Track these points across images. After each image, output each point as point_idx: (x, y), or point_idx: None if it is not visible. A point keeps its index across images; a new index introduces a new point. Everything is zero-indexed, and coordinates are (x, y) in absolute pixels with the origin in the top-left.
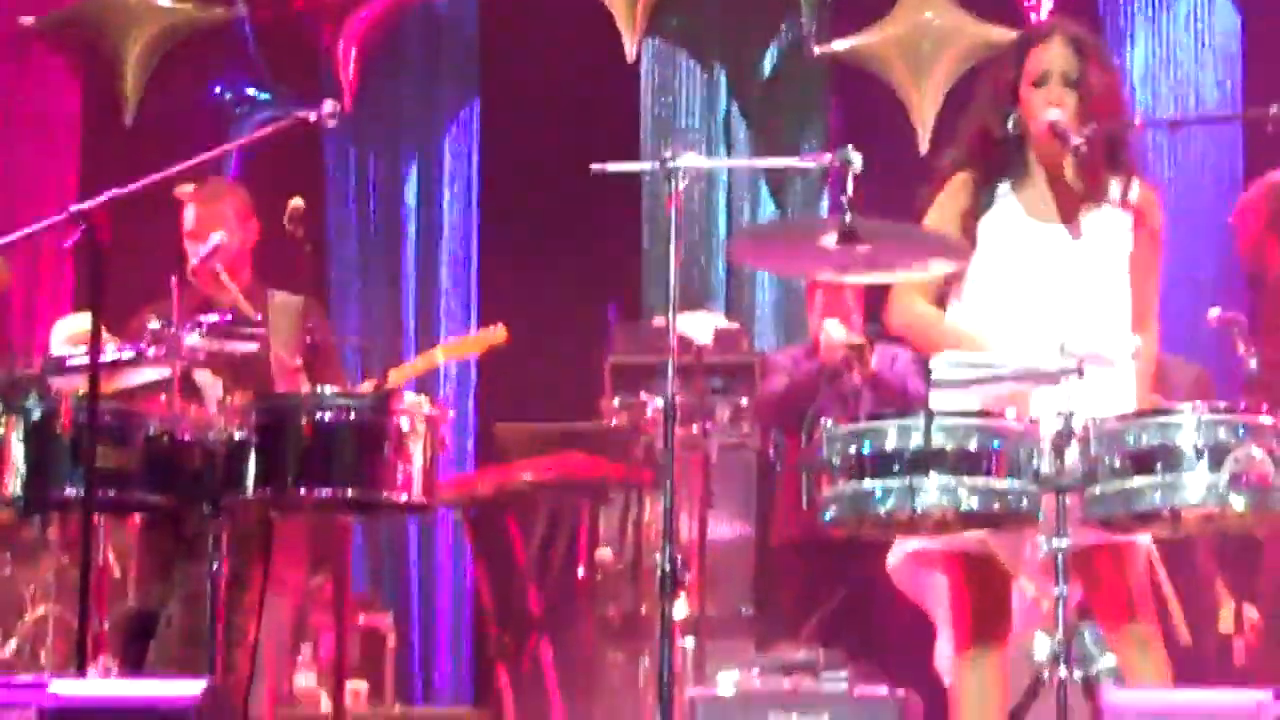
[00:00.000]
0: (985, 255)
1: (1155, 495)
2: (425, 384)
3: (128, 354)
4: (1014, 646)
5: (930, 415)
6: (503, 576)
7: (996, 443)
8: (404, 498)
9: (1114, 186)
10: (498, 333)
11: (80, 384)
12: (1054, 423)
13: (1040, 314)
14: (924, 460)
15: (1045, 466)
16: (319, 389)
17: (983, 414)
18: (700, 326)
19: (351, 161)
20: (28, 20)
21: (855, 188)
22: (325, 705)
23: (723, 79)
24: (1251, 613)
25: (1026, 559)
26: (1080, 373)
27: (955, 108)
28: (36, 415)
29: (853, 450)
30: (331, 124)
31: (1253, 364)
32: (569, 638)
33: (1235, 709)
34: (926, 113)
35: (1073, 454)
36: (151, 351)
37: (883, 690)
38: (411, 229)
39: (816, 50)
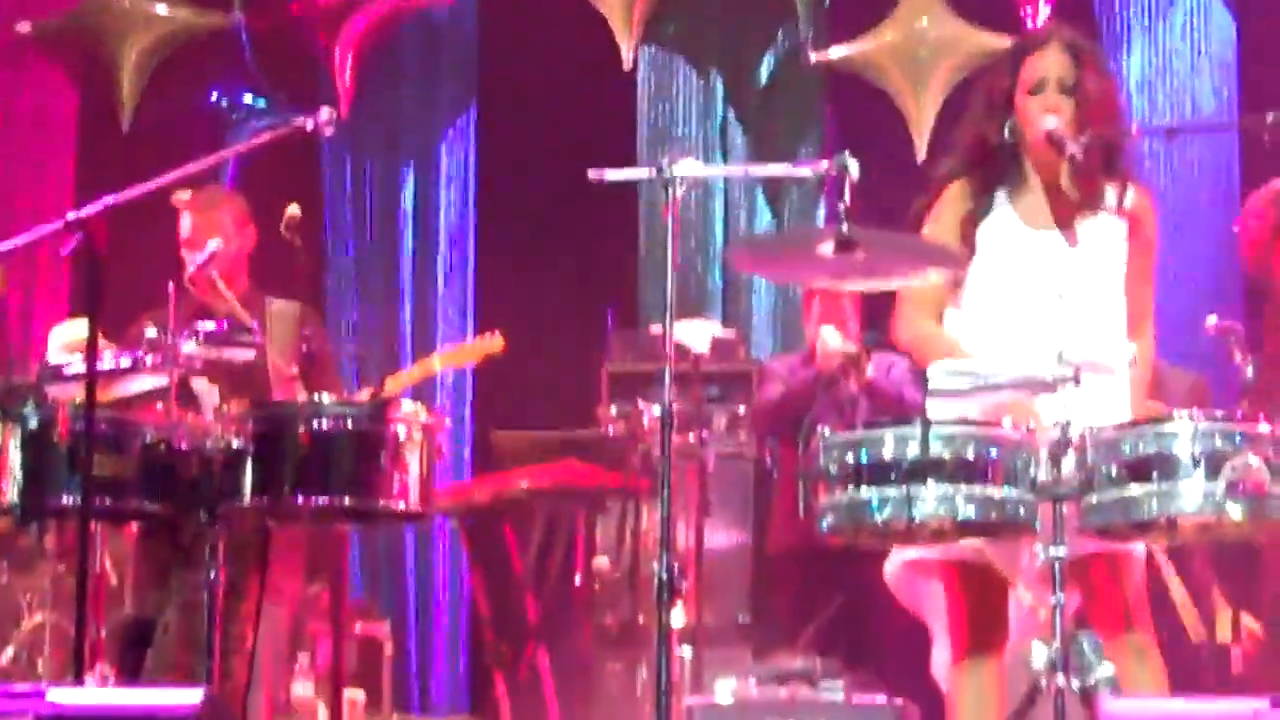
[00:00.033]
0: (983, 263)
1: (1152, 504)
2: (422, 392)
3: (125, 362)
4: (1011, 655)
5: (927, 424)
6: (500, 585)
7: (993, 451)
8: (401, 506)
9: (1110, 193)
10: (495, 341)
11: (77, 392)
12: (1051, 431)
13: (1037, 322)
14: (921, 469)
15: (1042, 475)
16: (316, 397)
17: (980, 422)
18: (697, 335)
19: (348, 168)
20: (25, 26)
21: (852, 195)
22: (322, 714)
23: (719, 86)
24: (1251, 623)
25: (1024, 568)
26: (1077, 381)
27: (952, 115)
28: (33, 423)
29: (850, 459)
30: (328, 131)
31: (1249, 372)
32: (566, 646)
33: (1233, 718)
34: (923, 120)
35: (1070, 462)
36: (148, 359)
37: (880, 699)
38: (408, 236)
39: (813, 58)
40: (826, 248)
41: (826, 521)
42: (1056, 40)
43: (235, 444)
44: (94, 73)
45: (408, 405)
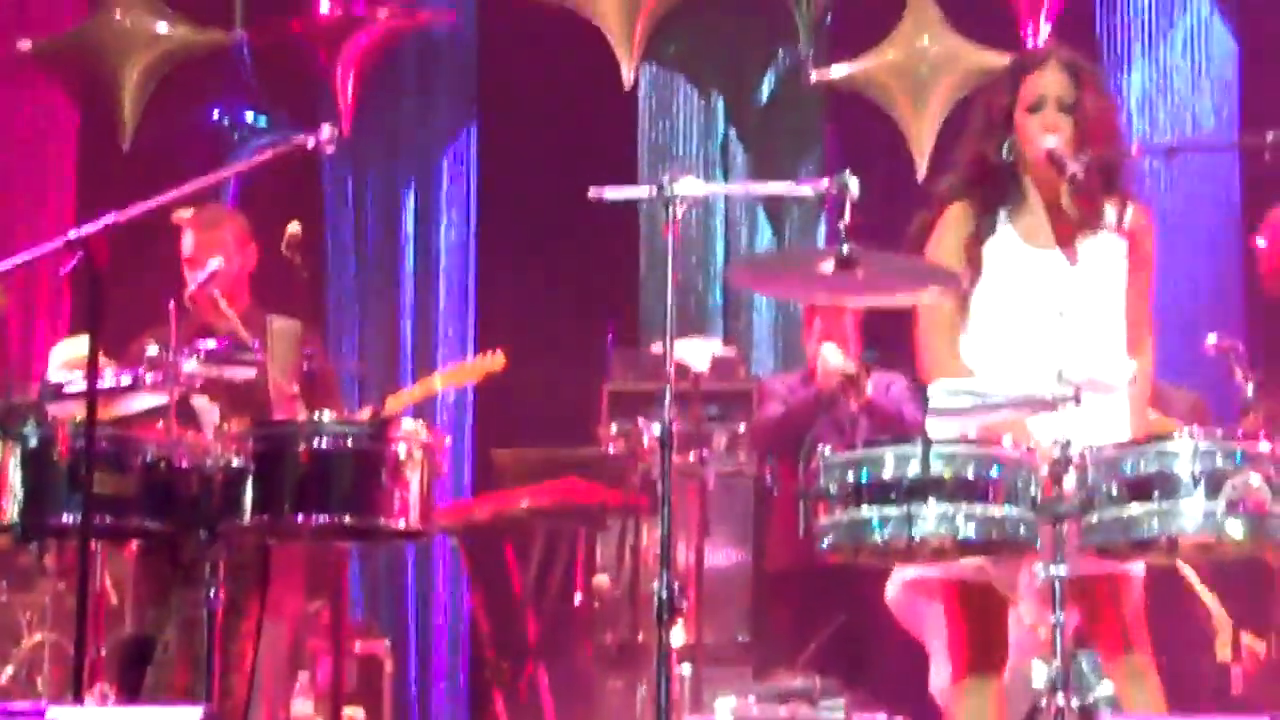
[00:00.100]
0: (985, 283)
1: (1153, 522)
2: (423, 410)
3: (125, 380)
4: (1012, 674)
5: (928, 443)
6: (500, 603)
7: (994, 470)
8: (401, 524)
9: (1110, 212)
10: (495, 359)
11: (78, 410)
12: (1051, 450)
13: (1039, 341)
14: (922, 488)
15: (1043, 494)
16: (316, 415)
17: (980, 441)
18: (697, 353)
19: (349, 186)
20: (25, 45)
21: (853, 214)
22: None
23: (720, 105)
24: (1256, 645)
25: (1024, 587)
26: (1078, 400)
27: (953, 133)
28: (34, 441)
29: (850, 478)
30: (329, 149)
31: (1250, 390)
32: (566, 664)
33: None
34: (924, 139)
35: (1070, 481)
36: (149, 378)
37: (879, 717)
38: (409, 254)
39: (814, 76)
40: (827, 266)
41: (827, 540)
42: (1055, 59)
43: (236, 462)
44: (95, 91)
45: (408, 424)
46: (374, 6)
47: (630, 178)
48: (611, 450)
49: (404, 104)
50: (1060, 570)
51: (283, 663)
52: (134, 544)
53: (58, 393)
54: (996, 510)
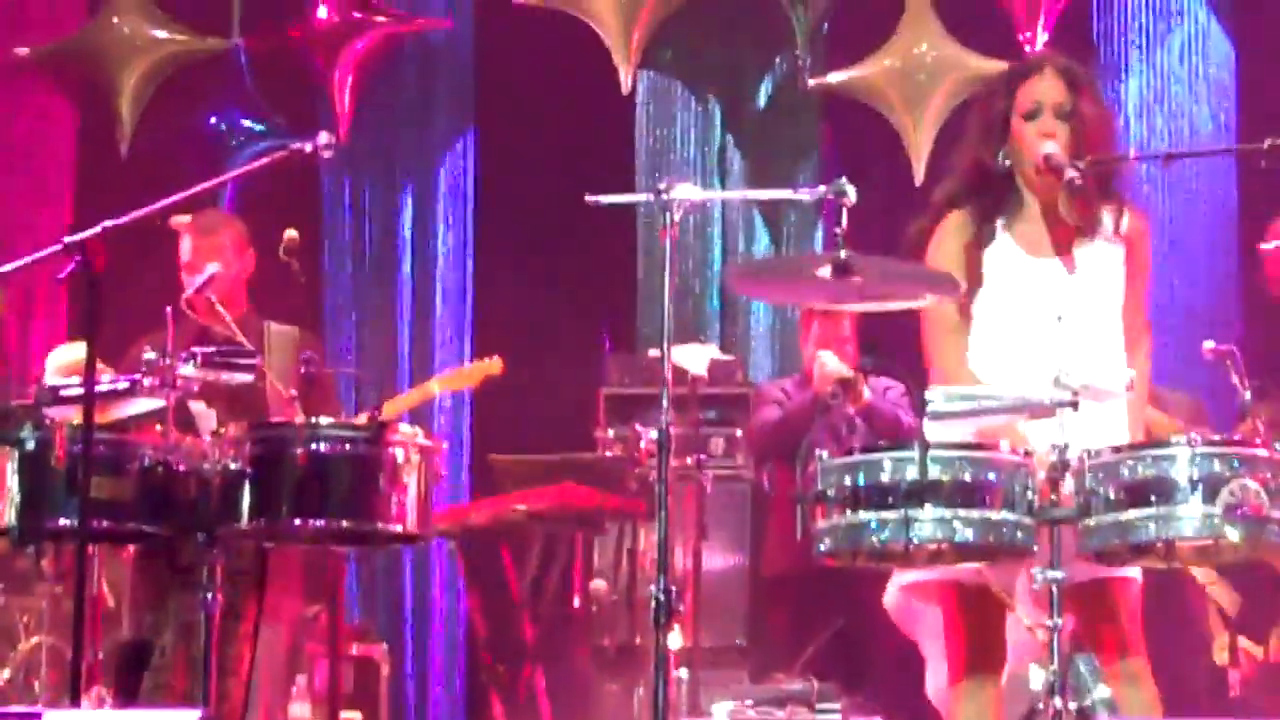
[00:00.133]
0: (985, 291)
1: (1150, 527)
2: (420, 415)
3: (122, 384)
4: (1009, 678)
5: (926, 447)
6: (497, 607)
7: (992, 475)
8: (398, 528)
9: (1106, 218)
10: (493, 364)
11: (75, 414)
12: (1049, 455)
13: (1038, 348)
14: (919, 492)
15: (1040, 499)
16: (314, 420)
17: (978, 446)
18: (695, 358)
19: (347, 192)
20: (23, 51)
21: (850, 219)
22: None
23: (717, 111)
24: (1254, 648)
25: (1022, 590)
26: (1075, 405)
27: (950, 139)
28: (31, 445)
29: (848, 482)
30: (327, 155)
31: (1247, 395)
32: (563, 668)
33: None
34: (921, 145)
35: (1068, 486)
36: (146, 382)
37: None
38: (407, 259)
39: (811, 82)
40: (824, 271)
41: (824, 544)
42: (1051, 66)
43: (233, 466)
44: (93, 96)
45: (405, 428)
46: (371, 12)
47: (628, 183)
48: (609, 454)
49: (401, 109)
50: (1057, 575)
51: (280, 666)
52: (131, 548)
53: (55, 396)
54: (994, 514)
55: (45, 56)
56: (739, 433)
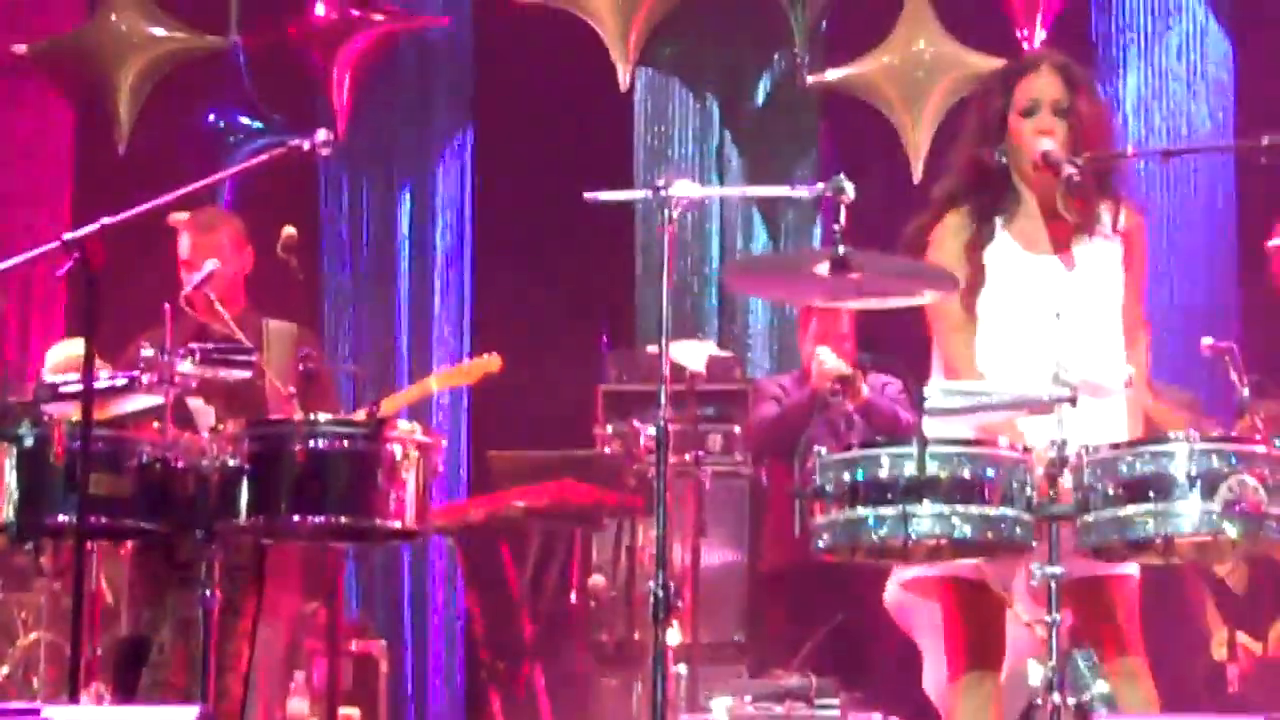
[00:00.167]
0: (986, 290)
1: (1149, 523)
2: (418, 412)
3: (121, 381)
4: (1008, 674)
5: (924, 443)
6: (496, 603)
7: (990, 471)
8: (397, 525)
9: (1104, 215)
10: (492, 361)
11: (73, 411)
12: (1047, 451)
13: (1037, 346)
14: (918, 488)
15: (1039, 495)
16: (312, 417)
17: (976, 442)
18: (693, 354)
19: (345, 189)
20: (21, 48)
21: (848, 216)
22: None
23: (716, 108)
24: (1252, 644)
25: (1020, 586)
26: (1074, 401)
27: (948, 137)
28: (29, 442)
29: (846, 478)
30: (325, 152)
31: (1245, 391)
32: (562, 664)
33: None
34: (920, 142)
35: (1066, 482)
36: (145, 379)
37: (875, 717)
38: (405, 256)
39: (809, 80)
40: (822, 268)
41: (823, 540)
42: (1048, 63)
43: (231, 463)
44: (91, 94)
45: (404, 425)
46: (370, 10)
47: (626, 180)
48: (607, 451)
49: (399, 107)
50: (1056, 570)
51: (279, 663)
52: (130, 544)
53: (54, 393)
54: (992, 510)
55: (43, 54)
56: (737, 429)
